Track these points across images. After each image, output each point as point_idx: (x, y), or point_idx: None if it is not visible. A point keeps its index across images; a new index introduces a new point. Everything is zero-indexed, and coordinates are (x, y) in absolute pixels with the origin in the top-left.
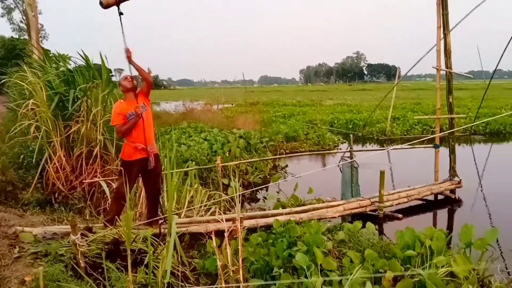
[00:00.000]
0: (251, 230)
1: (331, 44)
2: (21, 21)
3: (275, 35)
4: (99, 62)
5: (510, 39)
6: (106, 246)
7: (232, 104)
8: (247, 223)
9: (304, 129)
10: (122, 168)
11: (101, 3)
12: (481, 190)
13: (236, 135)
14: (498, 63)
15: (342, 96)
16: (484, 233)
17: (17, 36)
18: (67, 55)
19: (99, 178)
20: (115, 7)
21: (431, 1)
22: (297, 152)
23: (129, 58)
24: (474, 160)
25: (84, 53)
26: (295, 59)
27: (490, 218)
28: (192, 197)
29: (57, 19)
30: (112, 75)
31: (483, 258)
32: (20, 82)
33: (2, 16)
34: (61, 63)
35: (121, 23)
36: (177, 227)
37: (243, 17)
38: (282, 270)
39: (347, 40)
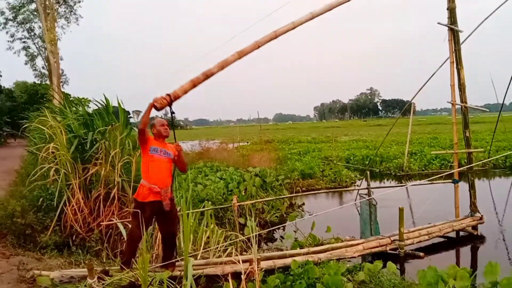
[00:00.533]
0: (269, 272)
1: (344, 81)
2: (43, 67)
3: (288, 73)
4: (117, 104)
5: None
6: None
7: (247, 143)
8: (264, 264)
9: (320, 166)
10: (136, 210)
11: (155, 107)
12: (504, 226)
13: (252, 173)
14: (505, 96)
15: (357, 132)
16: (510, 271)
17: (39, 82)
18: (87, 98)
19: (116, 220)
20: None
21: (440, 35)
22: (313, 190)
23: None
24: (492, 195)
25: (105, 97)
26: (309, 96)
27: None
28: (208, 237)
29: (77, 63)
30: (130, 117)
31: None
32: (41, 126)
33: (26, 64)
34: (80, 107)
35: (173, 120)
36: (193, 269)
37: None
38: None
39: (361, 76)
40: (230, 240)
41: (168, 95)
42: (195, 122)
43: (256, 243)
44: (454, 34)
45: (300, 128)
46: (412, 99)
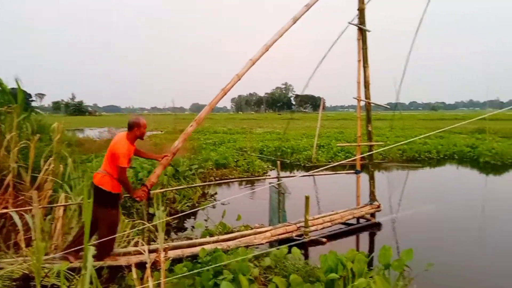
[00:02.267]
0: (177, 261)
1: (261, 75)
2: None
3: (207, 62)
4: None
5: (402, 77)
6: (14, 283)
7: (161, 131)
8: (172, 253)
9: (234, 156)
10: (112, 201)
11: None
12: (398, 214)
13: None
14: (398, 95)
15: (272, 125)
16: (401, 254)
17: None
18: None
19: (10, 208)
20: None
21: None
22: (226, 179)
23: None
24: (389, 186)
25: None
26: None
27: (406, 240)
28: None
29: None
30: (33, 100)
31: (401, 279)
32: None
33: None
34: None
35: None
36: (96, 260)
37: (173, 44)
38: None
39: (277, 72)
40: (138, 230)
41: (145, 185)
42: (105, 108)
43: (163, 232)
44: (362, 33)
45: (216, 118)
46: (303, 90)
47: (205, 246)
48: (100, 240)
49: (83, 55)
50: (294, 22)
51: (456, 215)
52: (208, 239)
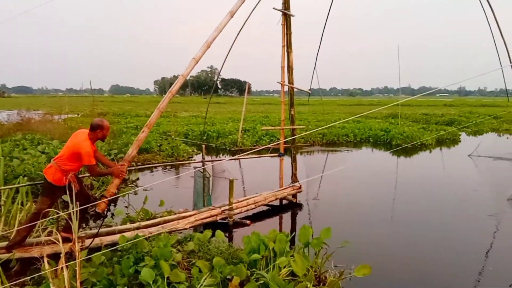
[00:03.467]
0: (96, 250)
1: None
2: None
3: (126, 44)
4: None
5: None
6: None
7: (78, 115)
8: (90, 242)
9: (157, 141)
10: (50, 192)
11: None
12: (318, 195)
13: None
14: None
15: (197, 108)
16: (320, 232)
17: None
18: None
19: None
20: None
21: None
22: (149, 164)
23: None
24: (311, 168)
25: None
26: (150, 70)
27: (326, 219)
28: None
29: None
30: None
31: (319, 256)
32: None
33: None
34: None
35: None
36: (3, 253)
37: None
38: None
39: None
40: (52, 219)
41: (123, 164)
42: (15, 89)
43: (77, 220)
44: (286, 19)
45: (139, 101)
46: (218, 74)
47: (126, 234)
48: (20, 228)
49: None
50: (232, 16)
51: (370, 194)
52: (128, 226)
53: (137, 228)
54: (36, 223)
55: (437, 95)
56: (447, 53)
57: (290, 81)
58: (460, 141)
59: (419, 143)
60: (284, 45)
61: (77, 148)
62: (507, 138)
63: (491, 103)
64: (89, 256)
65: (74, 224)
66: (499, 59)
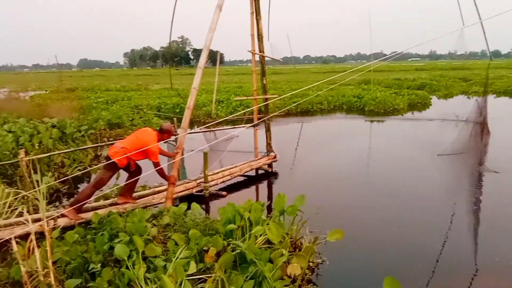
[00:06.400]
0: (69, 228)
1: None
2: None
3: (91, 16)
4: None
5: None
6: None
7: (45, 91)
8: (62, 221)
9: (129, 115)
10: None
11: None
12: (293, 163)
13: (48, 124)
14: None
15: (169, 81)
16: (294, 200)
17: None
18: None
19: None
20: None
21: None
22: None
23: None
24: (285, 137)
25: None
26: (118, 42)
27: (301, 187)
28: None
29: None
30: None
31: (295, 223)
32: None
33: None
34: None
35: None
36: None
37: None
38: (101, 265)
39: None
40: (23, 199)
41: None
42: None
43: (44, 199)
44: None
45: (108, 75)
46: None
47: (99, 211)
48: (84, 188)
49: None
50: (220, 10)
51: (343, 160)
52: (102, 202)
53: (111, 205)
54: (98, 189)
55: (409, 59)
56: (414, 20)
57: (261, 50)
58: (431, 105)
59: (391, 108)
60: (253, 11)
61: (146, 144)
62: (476, 100)
63: (460, 66)
64: (62, 235)
65: (41, 203)
66: (462, 20)
